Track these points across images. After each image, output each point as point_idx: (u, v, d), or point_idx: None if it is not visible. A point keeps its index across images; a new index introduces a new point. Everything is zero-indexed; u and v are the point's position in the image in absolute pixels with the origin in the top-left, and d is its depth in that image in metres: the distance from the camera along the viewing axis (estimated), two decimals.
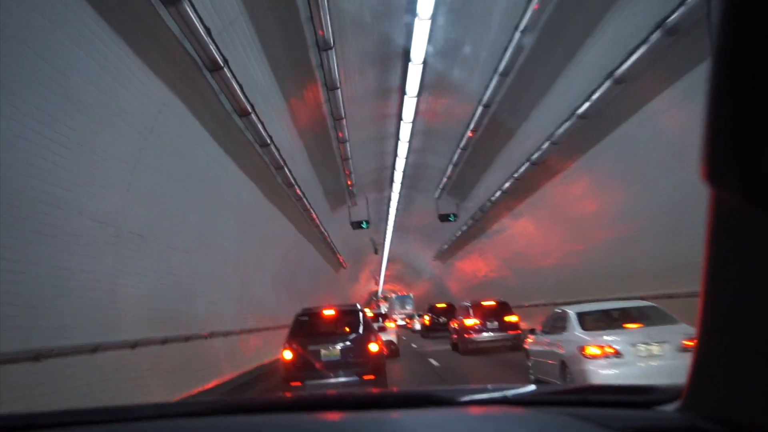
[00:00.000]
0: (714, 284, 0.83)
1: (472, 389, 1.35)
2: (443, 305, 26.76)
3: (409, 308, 48.54)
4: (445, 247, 28.05)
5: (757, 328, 0.76)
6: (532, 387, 1.37)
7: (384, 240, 32.11)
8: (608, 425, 0.99)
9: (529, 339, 9.78)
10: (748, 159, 0.65)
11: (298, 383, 8.57)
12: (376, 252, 33.09)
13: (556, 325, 8.51)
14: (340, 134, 13.51)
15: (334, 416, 1.23)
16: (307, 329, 9.17)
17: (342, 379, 8.61)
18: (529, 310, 19.25)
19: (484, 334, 15.40)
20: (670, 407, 1.05)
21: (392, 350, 15.77)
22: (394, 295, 55.24)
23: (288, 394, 5.18)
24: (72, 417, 1.29)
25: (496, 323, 15.50)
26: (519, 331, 15.31)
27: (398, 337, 19.07)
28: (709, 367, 0.89)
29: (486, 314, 15.76)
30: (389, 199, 22.79)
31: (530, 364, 9.25)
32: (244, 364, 12.02)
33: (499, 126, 13.48)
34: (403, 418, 1.17)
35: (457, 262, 31.20)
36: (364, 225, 21.20)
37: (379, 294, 61.38)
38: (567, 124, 10.80)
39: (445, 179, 18.19)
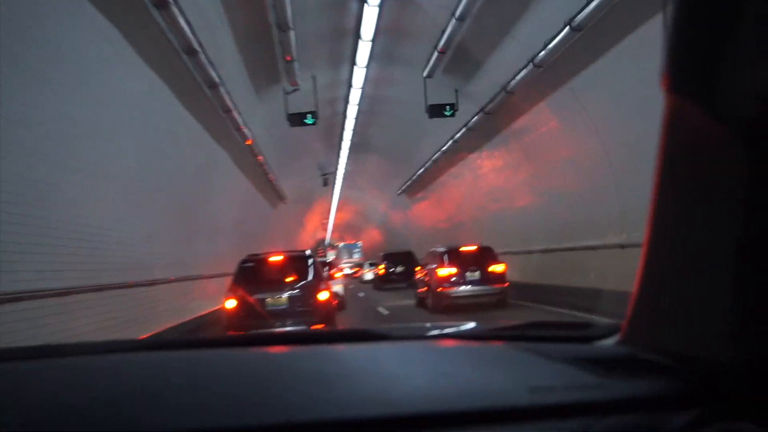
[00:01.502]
0: (659, 214, 0.81)
1: (411, 327, 1.47)
2: (400, 253, 24.54)
3: (356, 257, 47.85)
4: (420, 171, 20.63)
5: (699, 257, 0.76)
6: (471, 324, 1.37)
7: (336, 167, 24.40)
8: (547, 356, 0.99)
9: None
10: (709, 69, 0.66)
11: (241, 333, 7.87)
12: (325, 184, 25.17)
13: None
14: None
15: (274, 349, 1.25)
16: (251, 276, 8.91)
17: (289, 329, 8.20)
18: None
19: (463, 287, 12.65)
20: (610, 341, 1.06)
21: (338, 302, 13.45)
22: (341, 244, 52.91)
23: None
24: (33, 352, 1.33)
25: (477, 274, 12.67)
26: (506, 284, 12.75)
27: (346, 287, 16.77)
28: (649, 300, 0.88)
29: (465, 262, 12.86)
30: (349, 84, 14.70)
31: None
32: None
33: None
34: (343, 351, 1.20)
35: (432, 195, 24.03)
36: (308, 120, 13.48)
37: (327, 242, 56.69)
38: None
39: (443, 41, 10.69)
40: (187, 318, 11.04)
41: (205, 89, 9.81)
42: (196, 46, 8.18)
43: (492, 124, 13.48)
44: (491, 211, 17.90)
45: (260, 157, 15.40)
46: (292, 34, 10.31)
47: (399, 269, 23.42)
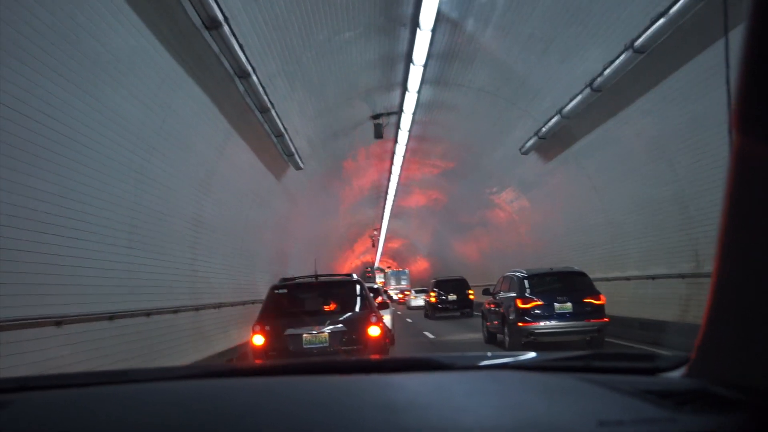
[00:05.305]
0: (728, 245, 0.80)
1: (474, 356, 1.38)
2: (452, 279, 23.39)
3: (404, 284, 48.44)
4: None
5: None
6: (532, 354, 1.36)
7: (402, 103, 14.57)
8: (614, 388, 0.98)
9: None
10: None
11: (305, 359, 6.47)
12: (379, 135, 15.70)
13: None
14: None
15: (333, 379, 1.23)
16: (285, 306, 7.71)
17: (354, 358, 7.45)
18: None
19: (549, 321, 10.59)
20: (675, 374, 1.04)
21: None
22: (389, 270, 53.23)
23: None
24: (68, 380, 1.33)
25: (569, 305, 10.61)
26: (605, 320, 10.58)
27: (393, 317, 13.82)
28: (719, 332, 0.86)
29: (552, 291, 10.84)
30: None
31: None
32: None
33: None
34: (409, 380, 1.19)
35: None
36: None
37: (376, 265, 54.29)
38: None
39: None
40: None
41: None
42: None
43: None
44: None
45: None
46: None
47: (451, 297, 22.44)
